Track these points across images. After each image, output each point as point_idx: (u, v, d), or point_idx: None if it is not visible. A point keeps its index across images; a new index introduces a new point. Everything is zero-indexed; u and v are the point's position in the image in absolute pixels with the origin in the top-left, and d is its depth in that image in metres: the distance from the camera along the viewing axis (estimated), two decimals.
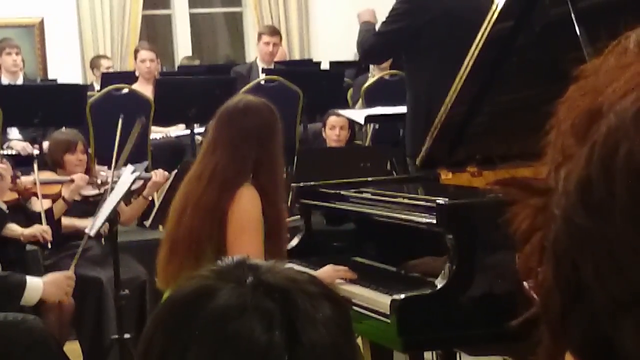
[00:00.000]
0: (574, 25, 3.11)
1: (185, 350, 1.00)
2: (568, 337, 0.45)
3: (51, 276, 4.28)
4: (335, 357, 1.01)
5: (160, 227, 5.81)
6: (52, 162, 5.26)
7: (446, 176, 3.81)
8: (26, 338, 3.90)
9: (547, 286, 0.47)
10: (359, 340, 3.61)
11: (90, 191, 5.09)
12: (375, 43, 4.83)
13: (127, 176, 4.42)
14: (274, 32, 8.21)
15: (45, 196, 4.84)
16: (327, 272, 3.34)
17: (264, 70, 7.69)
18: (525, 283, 0.53)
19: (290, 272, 1.04)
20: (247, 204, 3.11)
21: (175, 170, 4.88)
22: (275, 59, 8.25)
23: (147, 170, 5.40)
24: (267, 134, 3.20)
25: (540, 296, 0.48)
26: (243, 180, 3.14)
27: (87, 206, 5.07)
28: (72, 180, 4.98)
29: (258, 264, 1.05)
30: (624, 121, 0.44)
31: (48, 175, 5.12)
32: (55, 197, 4.94)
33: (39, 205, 4.76)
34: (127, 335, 4.42)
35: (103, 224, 4.38)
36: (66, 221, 4.97)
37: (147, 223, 5.08)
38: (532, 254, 0.51)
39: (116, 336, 4.45)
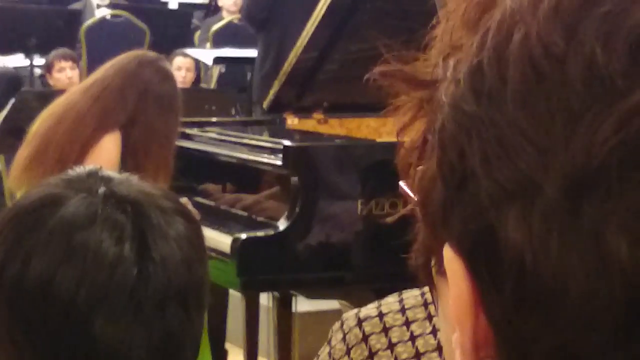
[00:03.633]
0: None
1: (27, 261, 0.95)
2: (448, 228, 0.45)
3: None
4: (186, 273, 0.98)
5: None
6: None
7: (292, 121, 3.82)
8: None
9: (429, 177, 0.46)
10: None
11: None
12: (248, 5, 4.82)
13: None
14: None
15: None
16: None
17: (99, 7, 7.52)
18: (401, 182, 0.52)
19: (144, 186, 1.01)
20: (107, 156, 3.01)
21: (13, 100, 4.69)
22: None
23: None
24: (157, 100, 3.07)
25: (421, 189, 0.47)
26: (113, 119, 3.00)
27: None
28: None
29: (111, 176, 1.00)
30: (521, 5, 0.43)
31: None
32: None
33: None
34: None
35: None
36: None
37: None
38: (412, 148, 0.50)
39: None
